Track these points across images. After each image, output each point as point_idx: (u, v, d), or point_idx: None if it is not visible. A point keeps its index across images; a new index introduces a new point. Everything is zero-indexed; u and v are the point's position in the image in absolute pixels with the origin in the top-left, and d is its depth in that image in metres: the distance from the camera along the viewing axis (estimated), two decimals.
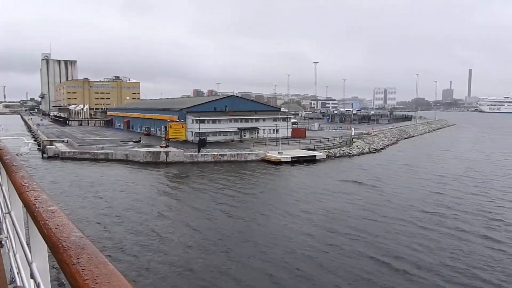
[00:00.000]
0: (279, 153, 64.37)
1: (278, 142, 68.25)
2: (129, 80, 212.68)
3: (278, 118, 78.28)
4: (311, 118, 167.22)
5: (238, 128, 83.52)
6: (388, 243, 27.01)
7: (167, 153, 62.85)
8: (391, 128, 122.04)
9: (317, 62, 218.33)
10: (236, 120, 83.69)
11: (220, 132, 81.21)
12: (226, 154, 64.44)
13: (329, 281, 21.54)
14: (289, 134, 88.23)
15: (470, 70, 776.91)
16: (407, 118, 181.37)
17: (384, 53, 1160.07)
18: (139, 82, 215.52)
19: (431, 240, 27.70)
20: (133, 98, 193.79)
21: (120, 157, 64.25)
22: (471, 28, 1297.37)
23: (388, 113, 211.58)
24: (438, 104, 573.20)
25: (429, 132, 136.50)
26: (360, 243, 27.05)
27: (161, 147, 65.95)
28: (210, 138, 76.61)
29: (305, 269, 22.89)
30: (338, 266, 23.35)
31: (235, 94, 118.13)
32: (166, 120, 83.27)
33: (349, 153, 72.15)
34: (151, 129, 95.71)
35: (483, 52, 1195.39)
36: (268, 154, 64.80)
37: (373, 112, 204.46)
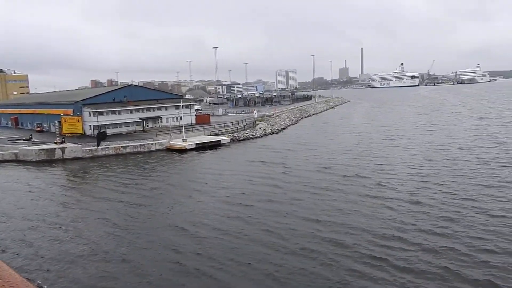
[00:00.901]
0: (183, 140, 63.99)
1: (182, 130, 67.82)
2: (14, 72, 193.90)
3: (181, 105, 77.38)
4: (216, 104, 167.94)
5: (140, 118, 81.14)
6: (287, 214, 28.59)
7: (63, 150, 59.11)
8: (292, 109, 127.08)
9: (216, 47, 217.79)
10: (137, 110, 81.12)
11: (120, 124, 78.19)
12: (128, 146, 62.43)
13: (231, 259, 22.34)
14: (194, 121, 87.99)
15: (362, 49, 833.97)
16: (308, 98, 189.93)
17: (283, 36, 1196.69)
18: (26, 75, 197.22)
19: (325, 208, 29.84)
20: (21, 93, 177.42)
21: (8, 157, 59.05)
22: (359, 11, 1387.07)
23: (290, 94, 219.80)
24: (335, 83, 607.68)
25: (327, 109, 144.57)
26: (263, 218, 28.25)
27: (56, 143, 61.80)
28: (110, 131, 73.51)
29: (214, 253, 23.45)
30: (242, 244, 24.25)
31: (135, 83, 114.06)
32: (60, 114, 77.93)
33: (253, 135, 74.00)
34: (44, 125, 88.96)
35: (372, 32, 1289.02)
36: (172, 142, 64.09)
37: (275, 94, 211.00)
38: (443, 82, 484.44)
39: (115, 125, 77.03)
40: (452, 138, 59.88)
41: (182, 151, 60.73)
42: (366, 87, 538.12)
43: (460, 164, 41.69)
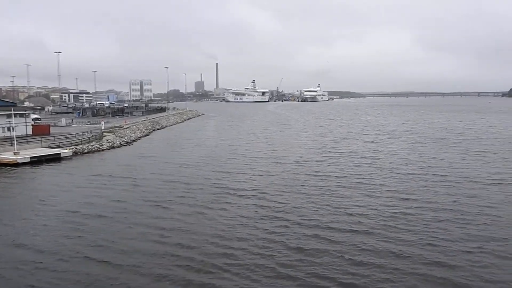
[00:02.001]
0: (15, 153, 57.32)
1: (13, 141, 60.68)
2: None
3: (12, 113, 69.09)
4: (59, 113, 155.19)
5: None
6: (126, 233, 27.71)
7: None
8: (144, 120, 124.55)
9: (59, 52, 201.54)
10: None
11: None
12: None
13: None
14: (30, 132, 79.71)
15: (217, 64, 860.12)
16: (162, 110, 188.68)
17: (138, 45, 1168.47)
18: None
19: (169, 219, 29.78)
20: None
21: None
22: (213, 25, 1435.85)
23: (144, 105, 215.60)
24: (191, 96, 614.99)
25: (180, 122, 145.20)
26: (96, 241, 26.83)
27: None
28: None
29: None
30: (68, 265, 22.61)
31: None
32: None
33: (99, 148, 70.19)
34: None
35: (227, 48, 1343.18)
36: (0, 155, 56.90)
37: (126, 105, 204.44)
38: (289, 99, 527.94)
39: None
40: (291, 152, 65.45)
41: (12, 165, 54.28)
42: (221, 101, 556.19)
43: (292, 177, 45.68)
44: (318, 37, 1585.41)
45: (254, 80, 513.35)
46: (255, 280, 20.79)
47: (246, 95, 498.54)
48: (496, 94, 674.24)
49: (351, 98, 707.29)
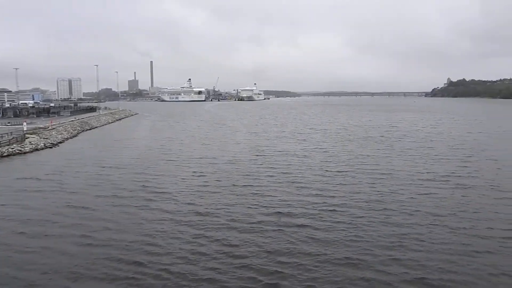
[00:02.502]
0: None
1: None
2: None
3: None
4: None
5: None
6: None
7: None
8: (72, 121, 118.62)
9: None
10: None
11: None
12: None
13: None
14: None
15: (151, 62, 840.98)
16: (93, 109, 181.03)
17: (66, 41, 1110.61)
18: None
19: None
20: None
21: None
22: (147, 22, 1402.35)
23: (73, 104, 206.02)
24: (125, 95, 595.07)
25: (112, 122, 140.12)
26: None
27: None
28: None
29: None
30: None
31: None
32: None
33: (21, 150, 65.99)
34: None
35: (162, 45, 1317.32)
36: None
37: (53, 104, 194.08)
38: (226, 99, 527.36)
39: None
40: (224, 151, 65.30)
41: None
42: (156, 100, 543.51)
43: (225, 176, 45.57)
44: (254, 37, 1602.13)
45: (190, 79, 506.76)
46: (186, 283, 20.46)
47: (182, 94, 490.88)
48: (420, 94, 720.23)
49: (287, 98, 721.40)
